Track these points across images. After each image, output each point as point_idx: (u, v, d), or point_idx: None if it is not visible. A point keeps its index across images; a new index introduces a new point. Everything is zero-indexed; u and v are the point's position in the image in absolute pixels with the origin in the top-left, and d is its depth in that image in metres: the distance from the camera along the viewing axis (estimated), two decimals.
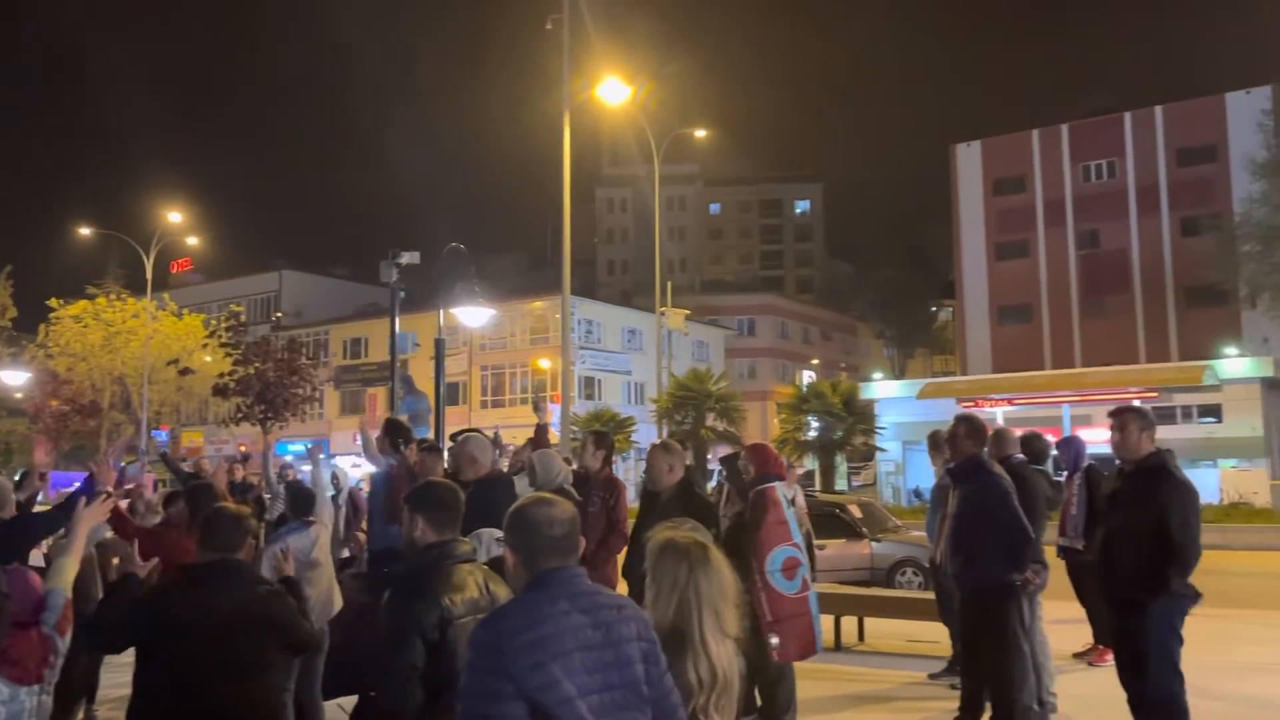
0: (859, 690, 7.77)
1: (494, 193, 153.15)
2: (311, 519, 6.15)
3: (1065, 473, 8.56)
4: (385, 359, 21.69)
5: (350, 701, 4.05)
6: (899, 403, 40.02)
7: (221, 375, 37.50)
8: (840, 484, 35.52)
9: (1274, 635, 9.83)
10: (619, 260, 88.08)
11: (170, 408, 45.15)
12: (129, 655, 3.65)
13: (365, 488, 9.39)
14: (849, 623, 9.59)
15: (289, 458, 22.52)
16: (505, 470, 7.29)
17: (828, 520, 12.91)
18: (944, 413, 24.73)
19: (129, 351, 42.98)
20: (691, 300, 55.42)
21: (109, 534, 6.53)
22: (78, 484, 5.21)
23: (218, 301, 56.43)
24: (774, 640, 5.42)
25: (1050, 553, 6.92)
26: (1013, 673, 5.78)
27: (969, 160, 53.67)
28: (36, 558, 5.06)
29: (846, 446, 34.82)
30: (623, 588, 6.21)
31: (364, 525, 8.81)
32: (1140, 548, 5.11)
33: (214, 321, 41.63)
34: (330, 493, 7.76)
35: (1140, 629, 5.09)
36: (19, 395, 45.86)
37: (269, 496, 9.09)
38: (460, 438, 6.73)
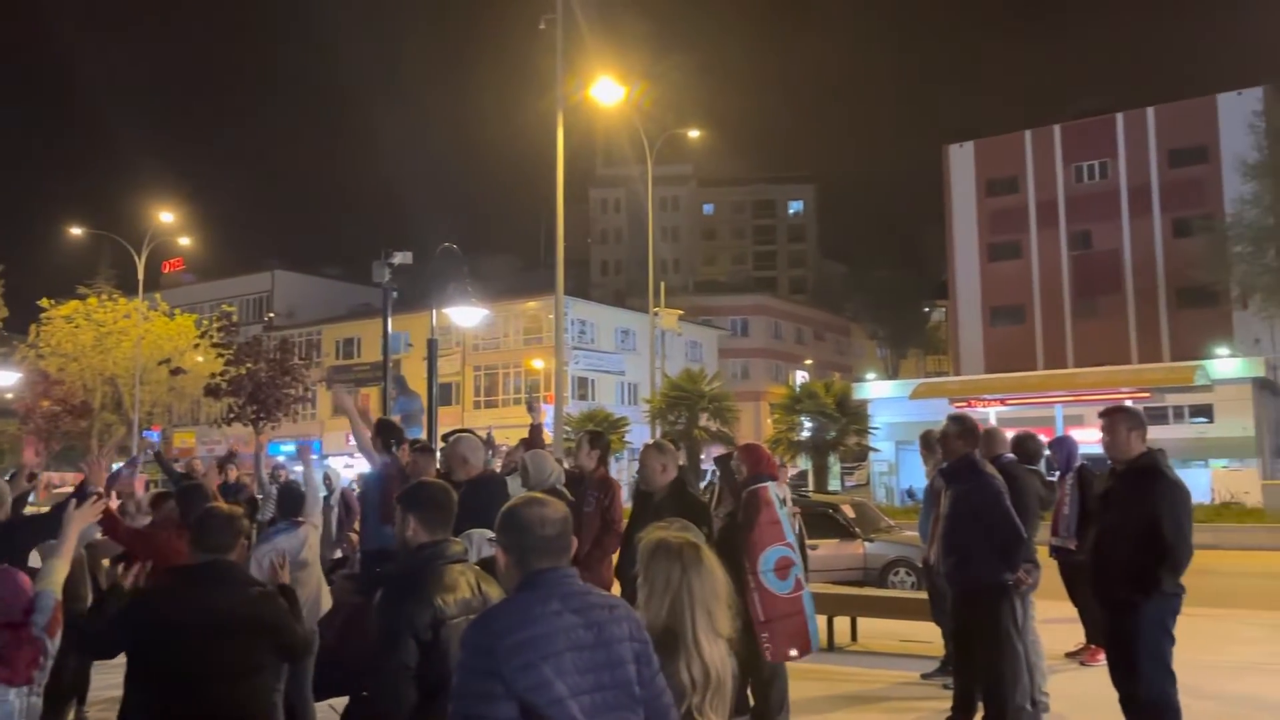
0: (852, 690, 7.78)
1: (487, 193, 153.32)
2: (300, 519, 6.14)
3: (1058, 473, 8.59)
4: (378, 359, 21.65)
5: (342, 702, 4.02)
6: (892, 403, 40.06)
7: (213, 375, 37.30)
8: (833, 484, 35.51)
9: (1266, 635, 9.85)
10: (612, 260, 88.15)
11: (162, 408, 45.06)
12: (120, 657, 3.63)
13: (357, 488, 9.36)
14: (842, 623, 9.60)
15: (280, 459, 22.48)
16: (498, 471, 7.27)
17: (821, 520, 12.94)
18: (937, 413, 24.81)
19: (120, 352, 42.85)
20: (685, 301, 55.48)
21: (99, 535, 6.50)
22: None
23: (210, 302, 56.16)
24: (764, 638, 5.41)
25: (1043, 552, 6.94)
26: (1005, 672, 5.79)
27: (962, 161, 53.83)
28: (36, 559, 5.03)
29: (839, 447, 34.83)
30: (616, 589, 6.20)
31: (356, 526, 8.79)
32: (1132, 547, 5.12)
33: (206, 321, 41.44)
34: (323, 493, 7.74)
35: (1132, 629, 5.09)
36: (9, 396, 45.66)
37: (261, 497, 9.08)
38: (452, 438, 6.71)
